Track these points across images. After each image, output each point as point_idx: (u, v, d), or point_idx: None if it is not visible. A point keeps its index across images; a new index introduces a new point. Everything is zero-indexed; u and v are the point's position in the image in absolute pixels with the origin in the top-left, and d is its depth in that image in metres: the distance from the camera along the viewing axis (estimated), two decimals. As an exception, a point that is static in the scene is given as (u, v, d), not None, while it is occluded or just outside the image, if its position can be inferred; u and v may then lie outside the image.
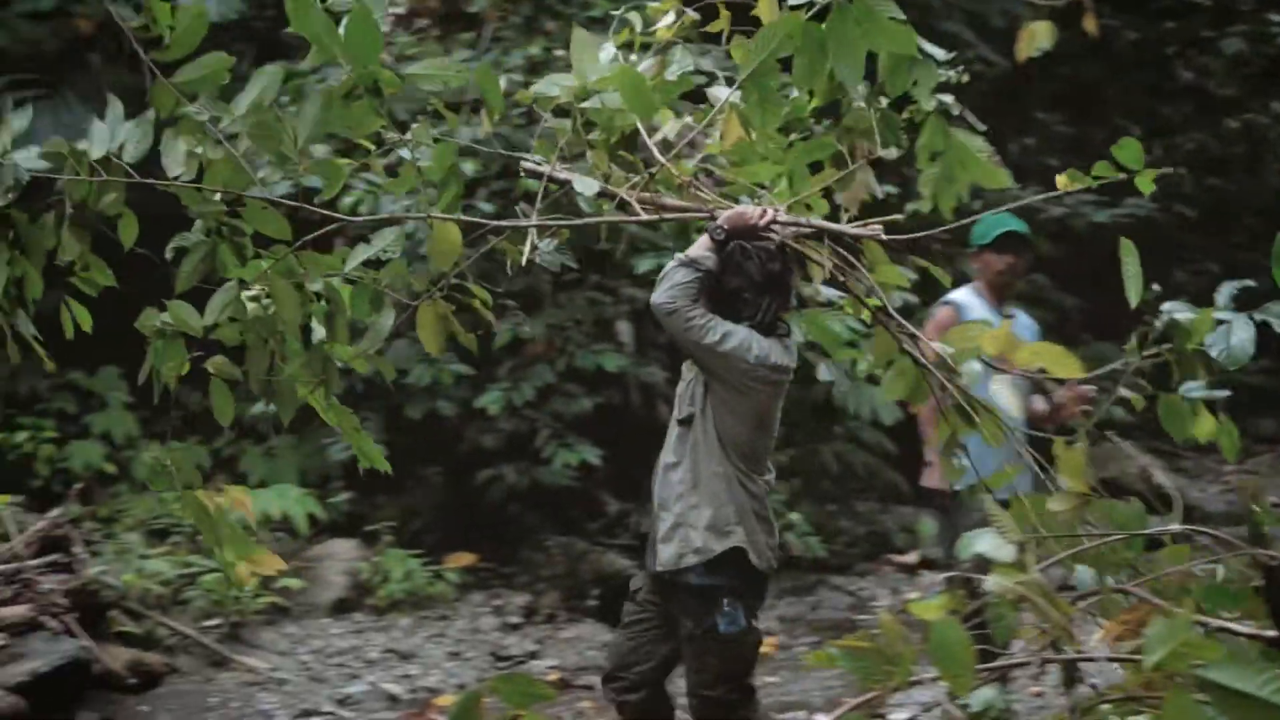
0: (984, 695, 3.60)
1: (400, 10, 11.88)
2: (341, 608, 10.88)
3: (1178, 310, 4.36)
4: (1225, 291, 4.35)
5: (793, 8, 4.73)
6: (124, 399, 12.36)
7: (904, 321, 5.00)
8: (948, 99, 5.19)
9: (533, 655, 10.16)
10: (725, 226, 5.13)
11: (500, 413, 11.34)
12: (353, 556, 11.29)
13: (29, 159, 4.50)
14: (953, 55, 5.16)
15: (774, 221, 5.11)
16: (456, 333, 4.98)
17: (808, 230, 5.10)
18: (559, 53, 10.48)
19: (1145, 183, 4.69)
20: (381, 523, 11.43)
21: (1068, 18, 13.12)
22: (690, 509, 5.39)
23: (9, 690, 7.70)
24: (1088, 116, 16.75)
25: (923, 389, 4.96)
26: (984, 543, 3.84)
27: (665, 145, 5.27)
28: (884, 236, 5.05)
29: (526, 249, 4.98)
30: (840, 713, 4.85)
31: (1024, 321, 7.72)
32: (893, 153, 5.19)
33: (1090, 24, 13.42)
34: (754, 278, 5.27)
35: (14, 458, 11.98)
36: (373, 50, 4.49)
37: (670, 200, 5.19)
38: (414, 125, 4.92)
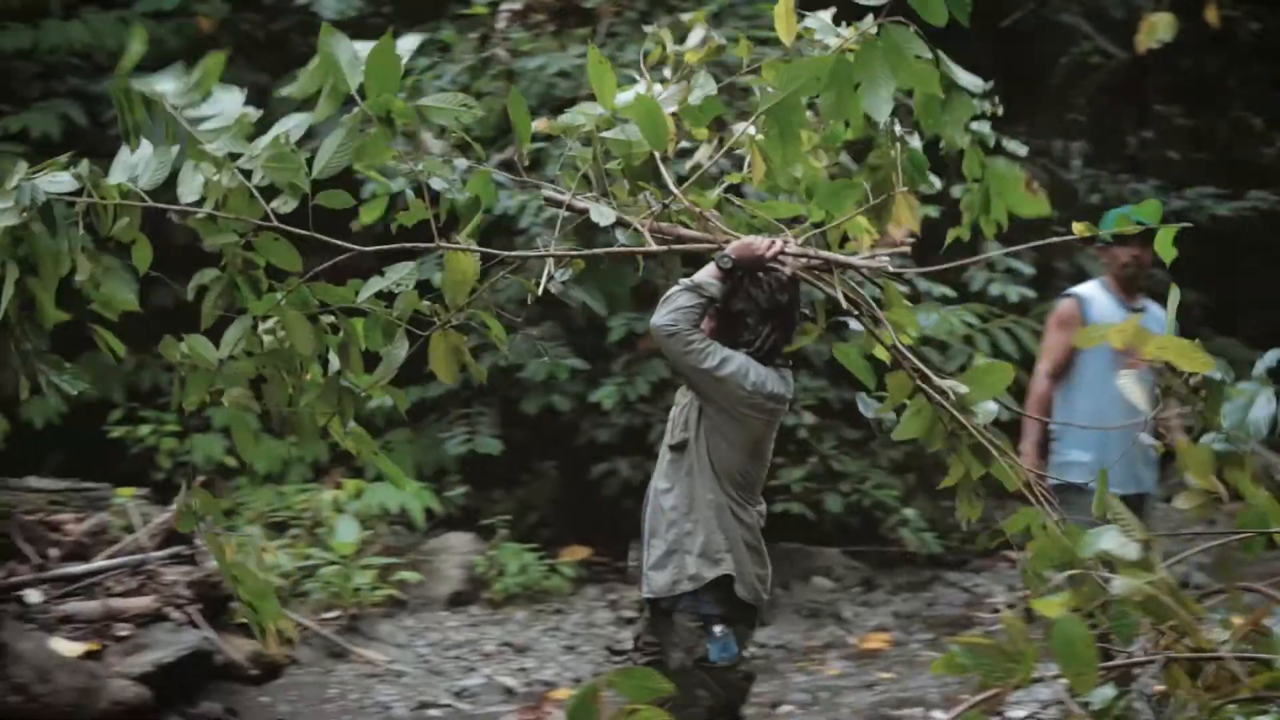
0: (1104, 693, 3.56)
1: (516, 7, 11.93)
2: (458, 601, 10.96)
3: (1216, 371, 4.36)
4: (1265, 361, 4.37)
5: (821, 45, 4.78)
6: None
7: (917, 361, 4.95)
8: (984, 128, 5.16)
9: (648, 649, 10.16)
10: (733, 256, 5.10)
11: (615, 407, 11.36)
12: (469, 550, 11.36)
13: (53, 182, 4.51)
14: (989, 86, 5.12)
15: (782, 253, 5.09)
16: (469, 364, 4.98)
17: (817, 263, 5.08)
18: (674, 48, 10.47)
19: (1165, 246, 4.73)
20: (497, 516, 11.50)
21: (1189, 8, 13.00)
22: (685, 535, 5.33)
23: (134, 680, 7.81)
24: (1208, 109, 16.52)
25: (939, 429, 4.91)
26: (1107, 540, 3.80)
27: (683, 177, 5.31)
28: (891, 269, 5.03)
29: (543, 279, 5.01)
30: (960, 710, 4.82)
31: (1156, 315, 7.59)
32: (925, 190, 5.22)
33: (1211, 15, 13.27)
34: (760, 304, 5.21)
35: (137, 451, 12.16)
36: (391, 82, 4.51)
37: (684, 230, 5.20)
38: (426, 157, 4.92)
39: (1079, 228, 4.80)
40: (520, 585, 11.08)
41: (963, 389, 4.82)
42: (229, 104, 4.61)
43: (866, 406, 5.12)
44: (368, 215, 4.89)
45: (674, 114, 5.29)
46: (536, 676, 9.63)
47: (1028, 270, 12.35)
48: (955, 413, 4.80)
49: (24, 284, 4.54)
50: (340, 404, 4.91)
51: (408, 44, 4.65)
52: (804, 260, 5.09)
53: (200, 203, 4.56)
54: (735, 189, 5.54)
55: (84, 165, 4.60)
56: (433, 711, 8.91)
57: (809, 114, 5.03)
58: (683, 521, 5.33)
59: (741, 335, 5.24)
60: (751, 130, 5.21)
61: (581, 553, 11.65)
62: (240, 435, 4.99)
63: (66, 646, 7.89)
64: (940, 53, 4.77)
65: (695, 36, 5.47)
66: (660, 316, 5.14)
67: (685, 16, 5.63)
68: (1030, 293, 12.21)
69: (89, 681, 7.69)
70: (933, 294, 11.82)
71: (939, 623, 10.56)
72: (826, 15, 4.93)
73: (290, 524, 10.91)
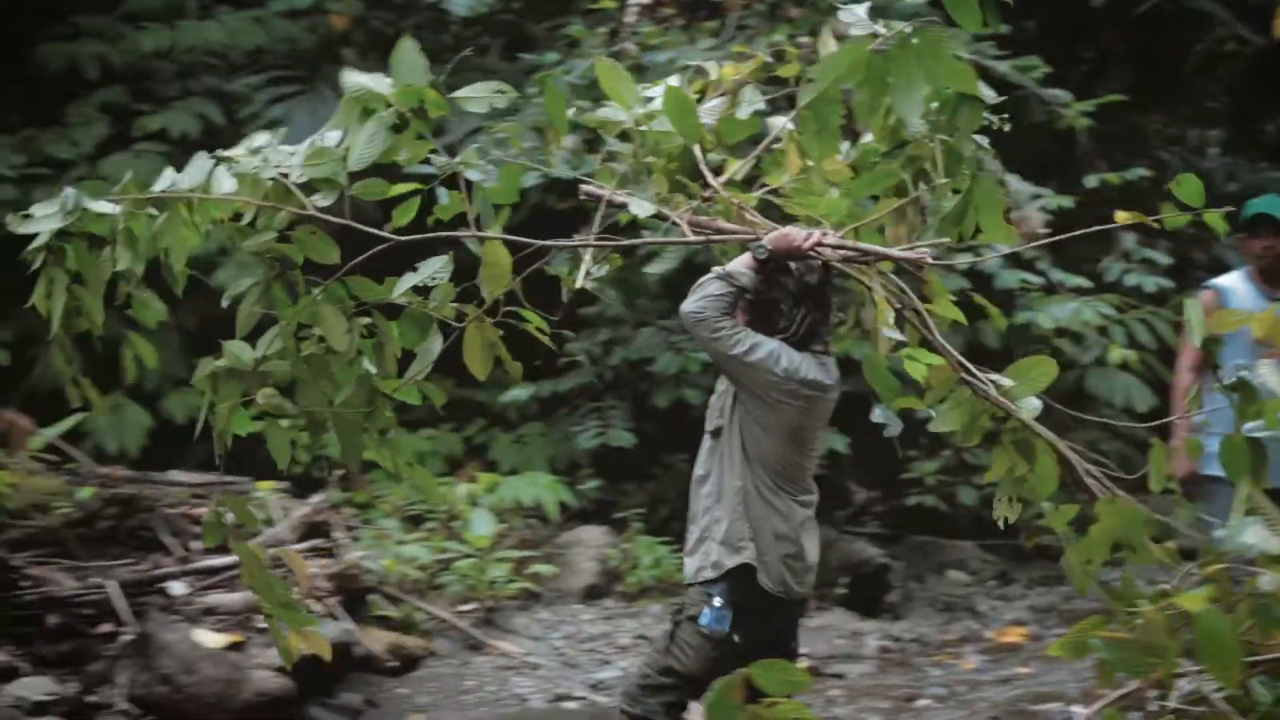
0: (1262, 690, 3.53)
1: (645, 0, 11.97)
2: (592, 594, 11.01)
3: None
4: None
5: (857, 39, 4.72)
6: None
7: (958, 356, 4.88)
8: (983, 141, 5.07)
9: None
10: (769, 246, 5.06)
11: (747, 400, 11.33)
12: (602, 543, 11.41)
13: (97, 204, 4.59)
14: (1001, 99, 5.06)
15: (819, 244, 5.04)
16: (504, 359, 4.92)
17: (854, 254, 5.04)
18: (803, 39, 10.46)
19: (1216, 220, 4.64)
20: (630, 510, 11.54)
21: (1331, -9, 12.70)
22: (714, 522, 5.30)
23: (275, 671, 7.94)
24: (1351, 94, 16.19)
25: (979, 424, 4.84)
26: (1252, 533, 3.76)
27: (717, 173, 5.28)
28: (930, 260, 4.96)
29: (580, 273, 5.00)
30: (1100, 705, 4.79)
31: None
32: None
33: (1353, -1, 12.97)
34: (790, 289, 5.16)
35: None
36: (416, 75, 4.53)
37: (723, 223, 5.18)
38: (464, 150, 4.87)
39: (1121, 216, 4.73)
40: (654, 578, 11.11)
41: (1007, 383, 4.77)
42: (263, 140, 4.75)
43: (881, 414, 5.05)
44: (402, 217, 4.87)
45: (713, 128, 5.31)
46: (671, 669, 9.64)
47: (1164, 260, 12.20)
48: (1004, 406, 4.74)
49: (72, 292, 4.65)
50: (374, 407, 4.86)
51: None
52: (841, 252, 5.04)
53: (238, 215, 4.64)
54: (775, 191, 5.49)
55: (127, 174, 4.69)
56: (569, 704, 8.96)
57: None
58: (714, 509, 5.31)
59: (776, 322, 5.18)
60: (790, 126, 5.19)
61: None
62: (274, 439, 4.95)
63: (210, 638, 8.04)
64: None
65: (753, 64, 5.46)
66: (689, 303, 5.12)
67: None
68: (1167, 283, 12.05)
69: (232, 672, 7.83)
70: (1067, 285, 11.72)
71: (1076, 617, 10.39)
72: (862, 10, 4.88)
73: (426, 517, 11.02)
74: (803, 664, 9.11)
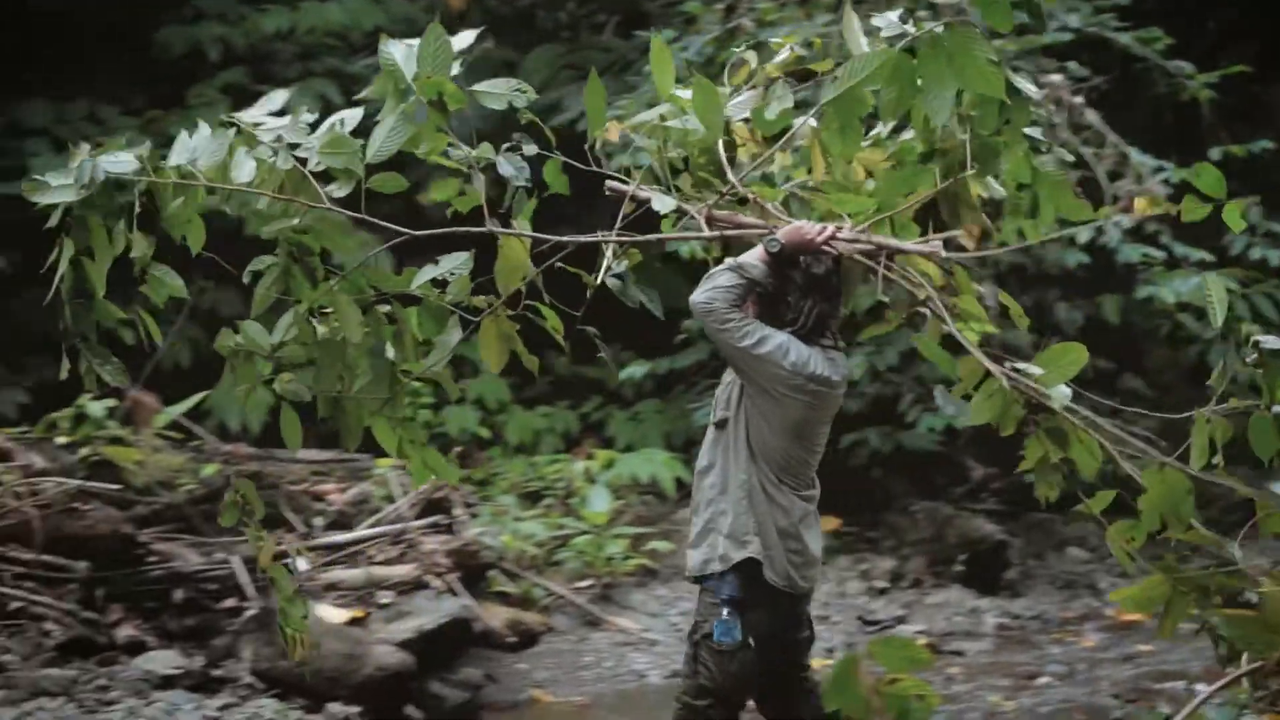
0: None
1: (759, -25, 11.92)
2: (708, 570, 11.01)
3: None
4: None
5: (887, 40, 4.68)
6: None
7: (978, 351, 4.82)
8: (1035, 131, 5.04)
9: (900, 620, 10.15)
10: (781, 240, 5.01)
11: (864, 377, 11.31)
12: (719, 520, 11.40)
13: (115, 161, 4.59)
14: (1044, 94, 4.98)
15: (833, 238, 4.99)
16: (520, 352, 4.91)
17: (869, 248, 4.98)
18: (921, 14, 10.38)
19: (1232, 217, 4.57)
20: (747, 486, 11.52)
21: None
22: (719, 515, 5.20)
23: (397, 646, 8.02)
24: None
25: (1012, 413, 4.77)
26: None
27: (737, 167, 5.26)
28: (944, 254, 4.91)
29: (601, 270, 4.96)
30: (1222, 683, 4.75)
31: None
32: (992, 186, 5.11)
33: None
34: (797, 280, 5.09)
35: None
36: (442, 67, 4.53)
37: (742, 218, 5.14)
38: (482, 144, 4.85)
39: (1141, 204, 4.69)
40: (771, 555, 11.10)
41: (1036, 370, 4.71)
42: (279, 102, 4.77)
43: (945, 400, 5.00)
44: (438, 193, 4.87)
45: (746, 120, 5.27)
46: (789, 646, 9.64)
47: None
48: (1034, 394, 4.69)
49: (80, 267, 4.66)
50: (392, 394, 4.88)
51: (465, 39, 4.69)
52: (856, 246, 5.00)
53: (256, 188, 4.64)
54: (801, 184, 5.45)
55: (144, 146, 4.69)
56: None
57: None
58: (718, 501, 5.21)
59: (784, 314, 5.08)
60: (812, 124, 5.15)
61: (832, 523, 11.62)
62: (288, 423, 4.98)
63: (332, 613, 8.14)
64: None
65: (782, 55, 5.42)
66: (698, 294, 5.03)
67: (775, 40, 5.55)
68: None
69: (354, 647, 7.92)
70: (1190, 259, 11.56)
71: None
72: (894, 15, 4.84)
73: (544, 494, 11.09)
74: (921, 641, 9.11)
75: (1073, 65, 12.23)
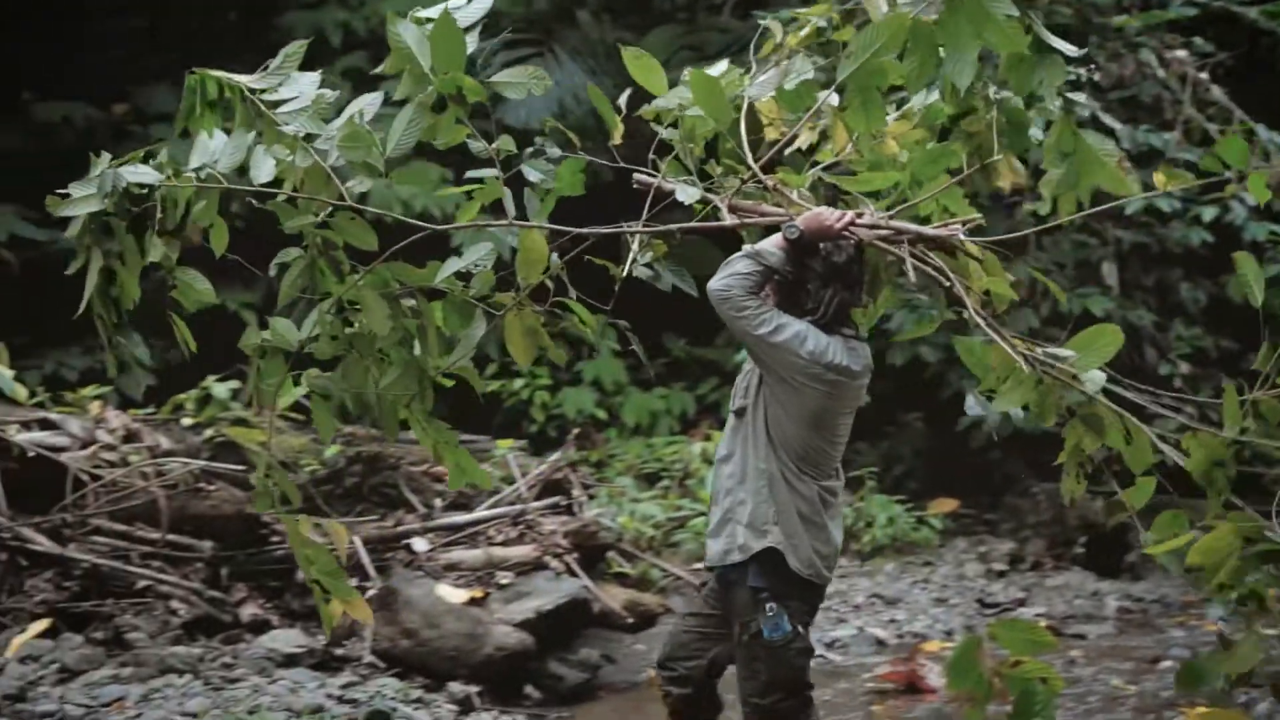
0: None
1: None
2: (826, 552, 10.98)
3: None
4: None
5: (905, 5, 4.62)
6: (613, 347, 12.74)
7: (1004, 335, 4.73)
8: (1079, 97, 4.95)
9: (1020, 603, 10.08)
10: (800, 226, 4.93)
11: (983, 358, 11.22)
12: (837, 502, 11.38)
13: (135, 172, 4.60)
14: (1084, 52, 4.85)
15: (853, 224, 4.92)
16: (546, 345, 4.86)
17: (888, 233, 4.93)
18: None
19: (1258, 186, 4.45)
20: (864, 469, 11.50)
21: None
22: (738, 504, 5.14)
23: (516, 626, 8.07)
24: None
25: (1050, 401, 4.68)
26: None
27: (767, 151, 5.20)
28: (963, 236, 4.87)
29: (627, 261, 4.92)
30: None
31: None
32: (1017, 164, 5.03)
33: None
34: (818, 269, 5.00)
35: (512, 404, 12.55)
36: (456, 59, 4.51)
37: (765, 207, 5.09)
38: (500, 138, 4.79)
39: (1159, 178, 4.63)
40: (888, 537, 11.07)
41: (1068, 354, 4.62)
42: (306, 86, 4.68)
43: (975, 405, 4.91)
44: (465, 216, 4.87)
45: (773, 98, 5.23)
46: (907, 629, 9.62)
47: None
48: (1067, 380, 4.61)
49: (111, 271, 4.67)
50: (420, 388, 4.85)
51: (474, 11, 4.66)
52: (877, 231, 4.94)
53: (278, 185, 4.63)
54: (828, 167, 5.37)
55: (163, 154, 4.70)
56: (804, 661, 8.99)
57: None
58: (737, 490, 5.16)
59: (804, 303, 5.03)
60: (834, 101, 5.11)
61: (949, 505, 11.58)
62: (319, 416, 5.00)
63: (452, 593, 8.19)
64: (1032, 14, 4.63)
65: (806, 29, 5.36)
66: (716, 281, 4.97)
67: (802, 11, 5.49)
68: None
69: (474, 627, 7.98)
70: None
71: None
72: None
73: (661, 475, 11.10)
74: (1042, 624, 9.05)
75: (1198, 40, 12.08)
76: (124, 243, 4.65)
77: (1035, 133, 5.15)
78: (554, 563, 8.80)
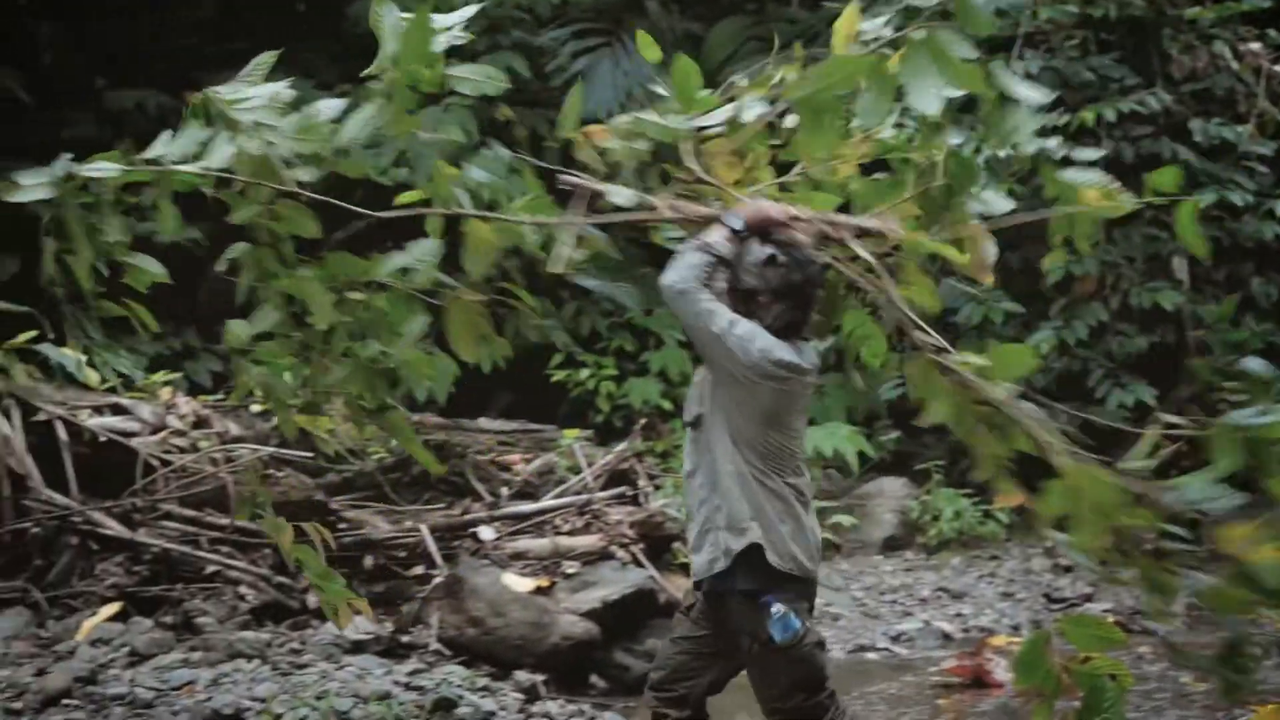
0: None
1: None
2: (892, 545, 10.97)
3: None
4: None
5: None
6: (679, 337, 12.72)
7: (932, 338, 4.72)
8: (1050, 144, 4.96)
9: (1087, 598, 10.01)
10: (742, 216, 4.91)
11: (1051, 352, 11.18)
12: (902, 495, 11.36)
13: (97, 168, 4.67)
14: (1053, 98, 4.85)
15: (795, 218, 4.92)
16: (489, 337, 4.87)
17: (829, 230, 4.94)
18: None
19: (1186, 220, 4.67)
20: (930, 462, 11.45)
21: None
22: (715, 511, 5.08)
23: (582, 616, 8.09)
24: None
25: (968, 411, 4.68)
26: None
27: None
28: (901, 231, 4.89)
29: (562, 255, 4.90)
30: None
31: None
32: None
33: None
34: (772, 284, 4.97)
35: (578, 394, 12.57)
36: (422, 53, 4.60)
37: (699, 207, 5.11)
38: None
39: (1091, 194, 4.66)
40: (955, 531, 11.03)
41: (979, 361, 4.62)
42: (269, 89, 4.85)
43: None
44: (406, 197, 4.91)
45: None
46: (974, 623, 9.58)
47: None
48: (977, 387, 4.62)
49: (63, 262, 4.73)
50: (372, 384, 4.90)
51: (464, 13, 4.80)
52: (814, 227, 4.93)
53: (230, 175, 4.67)
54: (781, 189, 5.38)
55: (123, 149, 4.78)
56: (870, 655, 8.96)
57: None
58: (711, 498, 5.11)
59: (753, 313, 5.00)
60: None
61: (1016, 499, 11.50)
62: (280, 412, 5.04)
63: (518, 582, 8.22)
64: (994, 66, 4.71)
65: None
66: (669, 275, 4.95)
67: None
68: None
69: (539, 616, 8.00)
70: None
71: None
72: (880, 21, 4.78)
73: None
74: (1110, 619, 8.98)
75: (1273, 33, 11.96)
76: (74, 231, 4.70)
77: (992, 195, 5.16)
78: (620, 553, 8.81)
